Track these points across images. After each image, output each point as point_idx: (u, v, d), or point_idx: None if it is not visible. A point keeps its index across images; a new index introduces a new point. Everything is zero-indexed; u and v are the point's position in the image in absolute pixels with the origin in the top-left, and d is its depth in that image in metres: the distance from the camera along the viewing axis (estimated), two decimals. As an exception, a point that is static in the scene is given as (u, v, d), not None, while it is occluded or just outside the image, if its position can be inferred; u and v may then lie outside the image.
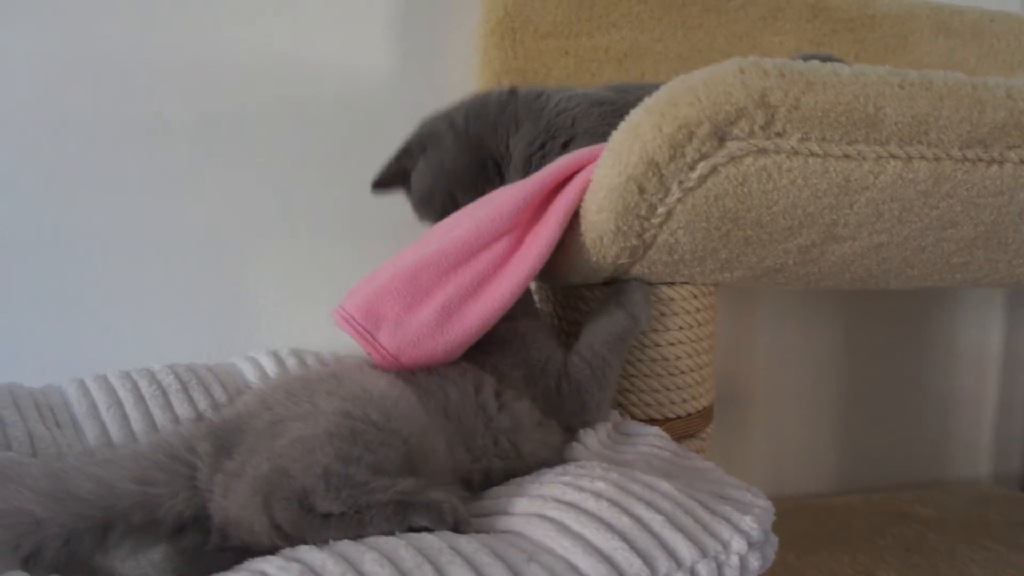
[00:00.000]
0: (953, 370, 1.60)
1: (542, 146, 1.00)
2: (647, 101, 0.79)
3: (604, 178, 0.81)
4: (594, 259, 0.88)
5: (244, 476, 0.70)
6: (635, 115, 0.80)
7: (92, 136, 1.22)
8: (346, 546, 0.63)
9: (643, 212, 0.83)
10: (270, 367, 1.10)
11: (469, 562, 0.61)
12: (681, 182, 0.80)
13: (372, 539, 0.64)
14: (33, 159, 1.21)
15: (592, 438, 0.89)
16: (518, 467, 0.83)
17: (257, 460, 0.70)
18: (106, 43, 1.22)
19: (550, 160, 0.99)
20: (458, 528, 0.68)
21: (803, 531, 1.37)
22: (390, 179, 1.12)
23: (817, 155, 0.81)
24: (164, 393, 1.01)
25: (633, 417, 0.99)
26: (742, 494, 0.77)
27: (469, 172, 1.06)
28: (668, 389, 0.99)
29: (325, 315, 1.29)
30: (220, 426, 0.78)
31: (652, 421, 0.99)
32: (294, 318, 1.29)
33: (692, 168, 0.79)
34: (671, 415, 1.00)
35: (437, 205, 1.07)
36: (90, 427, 0.96)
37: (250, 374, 1.10)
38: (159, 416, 0.99)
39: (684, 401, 1.00)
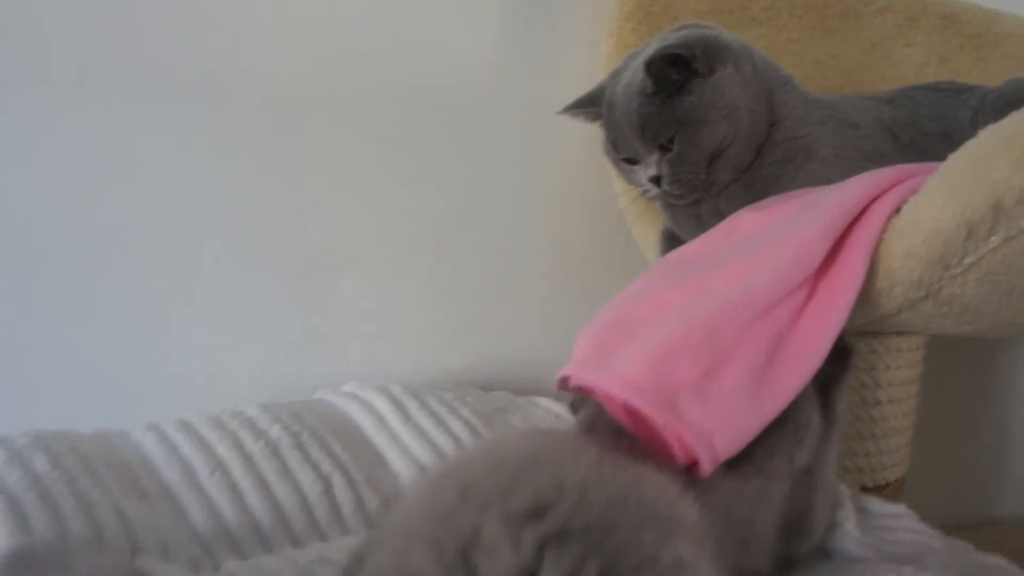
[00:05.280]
0: (1010, 405, 1.56)
1: (789, 157, 0.84)
2: (1001, 131, 0.65)
3: (929, 220, 0.66)
4: (870, 308, 0.73)
5: None
6: (983, 147, 0.65)
7: (144, 109, 0.95)
8: None
9: (953, 263, 0.69)
10: (386, 409, 0.90)
11: None
12: (1009, 231, 0.67)
13: None
14: (79, 136, 0.93)
15: (851, 522, 0.74)
16: None
17: None
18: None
19: (784, 175, 0.83)
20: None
21: None
22: (661, 70, 0.80)
23: None
24: (276, 452, 0.80)
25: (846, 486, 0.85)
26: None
27: (756, 126, 0.85)
28: (882, 452, 0.86)
29: (413, 337, 1.09)
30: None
31: (863, 490, 0.85)
32: (378, 341, 1.07)
33: (1026, 213, 0.66)
34: (881, 482, 0.87)
35: (717, 137, 0.82)
36: (192, 501, 0.74)
37: (362, 418, 0.89)
38: (276, 484, 0.77)
39: (893, 466, 0.88)
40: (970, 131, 0.90)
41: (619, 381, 0.63)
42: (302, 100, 1.02)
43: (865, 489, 0.86)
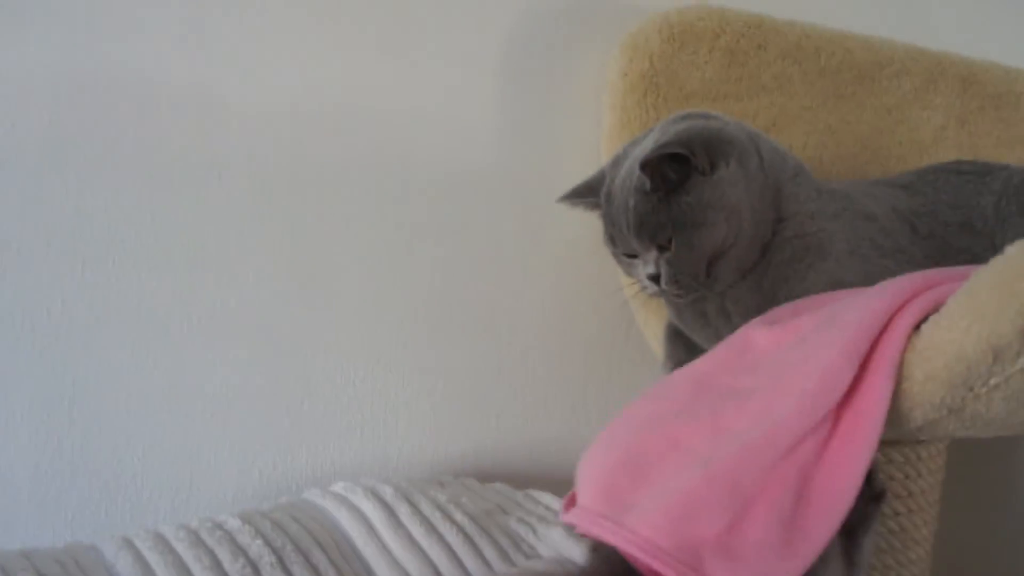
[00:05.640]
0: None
1: (799, 256, 0.79)
2: (1027, 249, 0.60)
3: (952, 343, 0.61)
4: (887, 429, 0.68)
5: None
6: (1011, 267, 0.60)
7: (121, 187, 0.92)
8: None
9: (977, 386, 0.64)
10: (375, 516, 0.85)
11: None
12: (1039, 351, 0.61)
13: None
14: (52, 215, 0.90)
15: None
16: None
17: None
18: (148, 67, 0.93)
19: (794, 275, 0.78)
20: None
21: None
22: (654, 166, 0.75)
23: None
24: (256, 572, 0.75)
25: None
26: None
27: (761, 226, 0.79)
28: (901, 565, 0.81)
29: (407, 424, 1.05)
30: None
31: (881, 606, 0.80)
32: (370, 430, 1.02)
33: (1060, 334, 0.60)
34: (900, 597, 0.81)
35: (717, 239, 0.77)
36: (166, 632, 0.69)
37: (350, 527, 0.84)
38: (256, 608, 0.72)
39: (914, 578, 0.82)
40: (993, 220, 0.86)
41: (638, 541, 0.58)
42: (289, 176, 0.99)
43: (883, 604, 0.80)
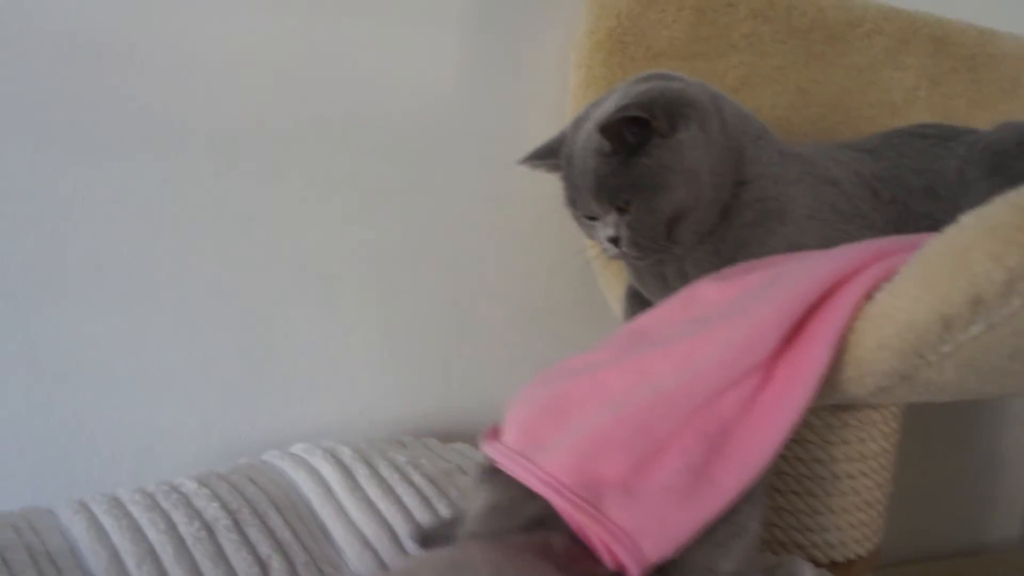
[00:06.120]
0: (999, 429, 1.52)
1: (759, 220, 0.78)
2: (983, 220, 0.59)
3: (902, 312, 0.61)
4: (837, 395, 0.68)
5: None
6: (963, 236, 0.60)
7: (79, 146, 0.91)
8: None
9: (929, 353, 0.64)
10: (333, 478, 0.85)
11: None
12: (991, 321, 0.62)
13: None
14: (9, 178, 0.89)
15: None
16: None
17: None
18: (111, 22, 0.90)
19: (754, 240, 0.78)
20: None
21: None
22: (614, 129, 0.74)
23: None
24: (212, 535, 0.76)
25: (814, 561, 0.81)
26: None
27: (721, 189, 0.78)
28: (852, 527, 0.82)
29: (368, 385, 1.05)
30: None
31: (833, 566, 0.81)
32: (332, 391, 1.02)
33: (1009, 305, 0.61)
34: (852, 556, 0.83)
35: (676, 202, 0.75)
36: (118, 594, 0.69)
37: (308, 488, 0.85)
38: (209, 573, 0.72)
39: (865, 539, 0.84)
40: (956, 185, 0.86)
41: (543, 476, 0.60)
42: (251, 137, 0.97)
43: (835, 564, 0.82)
